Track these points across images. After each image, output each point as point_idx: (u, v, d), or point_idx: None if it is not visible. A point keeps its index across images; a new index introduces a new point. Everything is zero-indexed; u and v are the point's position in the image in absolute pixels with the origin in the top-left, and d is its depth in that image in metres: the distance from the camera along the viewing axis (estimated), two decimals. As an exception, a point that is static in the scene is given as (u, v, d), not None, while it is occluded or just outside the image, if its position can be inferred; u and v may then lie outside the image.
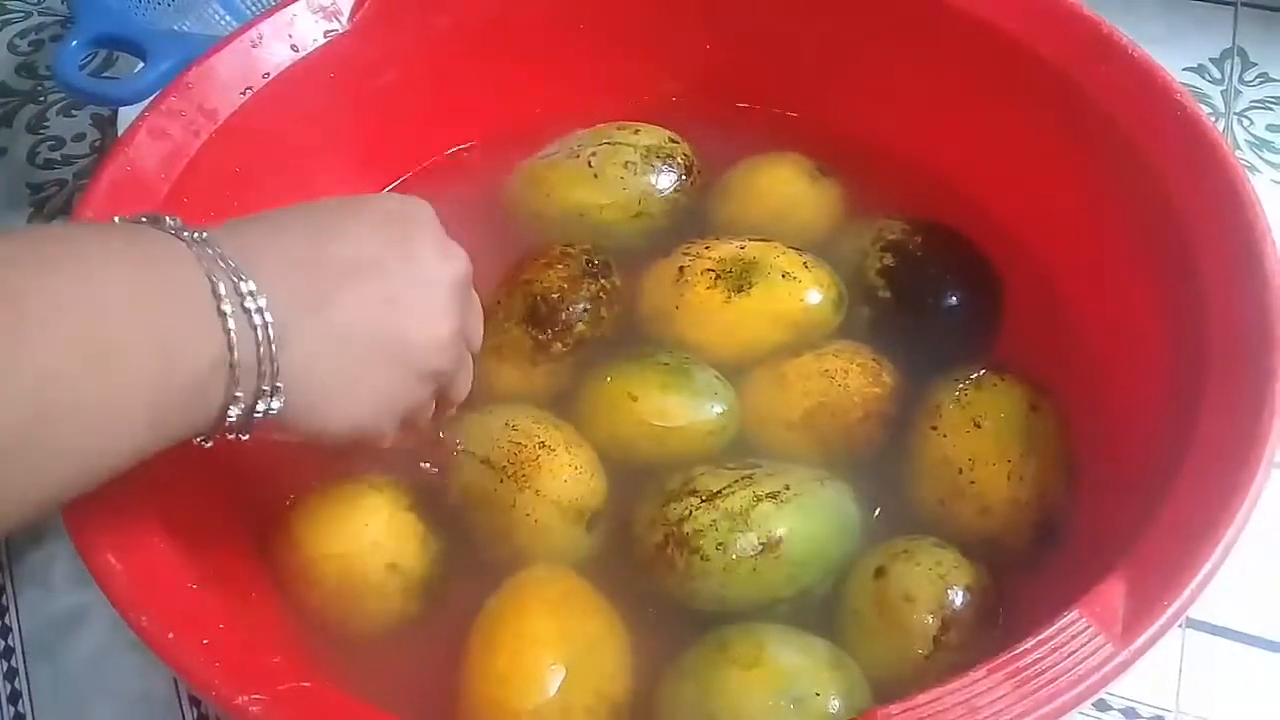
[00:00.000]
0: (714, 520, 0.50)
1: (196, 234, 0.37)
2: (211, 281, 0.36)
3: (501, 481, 0.52)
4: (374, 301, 0.40)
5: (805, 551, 0.50)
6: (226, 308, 0.35)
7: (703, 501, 0.51)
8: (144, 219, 0.38)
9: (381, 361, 0.41)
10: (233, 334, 0.36)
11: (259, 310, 0.36)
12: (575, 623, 0.49)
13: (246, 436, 0.38)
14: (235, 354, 0.36)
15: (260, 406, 0.37)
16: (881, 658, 0.49)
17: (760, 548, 0.49)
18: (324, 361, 0.39)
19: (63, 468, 0.34)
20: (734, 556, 0.49)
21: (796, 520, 0.50)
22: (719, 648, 0.48)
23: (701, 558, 0.49)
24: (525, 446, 0.53)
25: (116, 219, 0.38)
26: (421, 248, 0.43)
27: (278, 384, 0.37)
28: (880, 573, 0.50)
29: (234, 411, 0.37)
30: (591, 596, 0.51)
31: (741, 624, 0.49)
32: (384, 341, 0.41)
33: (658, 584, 0.51)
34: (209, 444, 0.39)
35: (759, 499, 0.50)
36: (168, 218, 0.38)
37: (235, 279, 0.36)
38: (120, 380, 0.33)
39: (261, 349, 0.36)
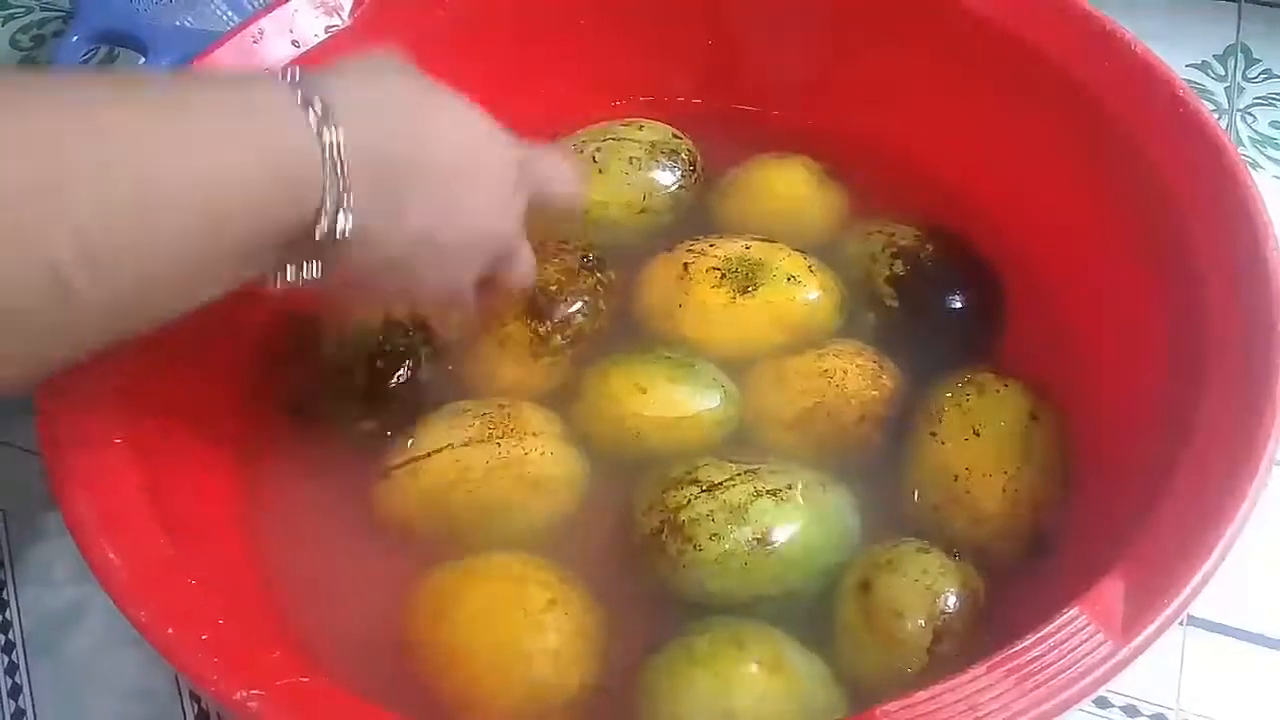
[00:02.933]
0: (711, 511, 0.50)
1: (287, 69, 0.40)
2: (299, 97, 0.38)
3: (497, 444, 0.53)
4: (436, 183, 0.43)
5: (798, 552, 0.50)
6: (313, 118, 0.38)
7: (703, 491, 0.51)
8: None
9: (441, 192, 0.43)
10: (321, 137, 0.38)
11: (333, 125, 0.38)
12: (562, 611, 0.49)
13: (319, 271, 0.40)
14: (325, 154, 0.38)
15: (334, 221, 0.39)
16: (877, 671, 0.48)
17: (754, 543, 0.49)
18: (385, 182, 0.40)
19: (173, 256, 0.35)
20: (727, 549, 0.49)
21: (794, 520, 0.50)
22: (735, 643, 0.47)
23: (695, 547, 0.49)
24: (512, 414, 0.54)
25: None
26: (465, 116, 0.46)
27: (353, 201, 0.39)
28: (866, 586, 0.49)
29: (324, 221, 0.38)
30: (575, 584, 0.51)
31: (752, 622, 0.49)
32: (444, 175, 0.43)
33: (650, 569, 0.51)
34: (280, 284, 0.40)
35: (759, 494, 0.50)
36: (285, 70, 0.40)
37: (318, 98, 0.38)
38: (210, 171, 0.35)
39: (342, 165, 0.38)
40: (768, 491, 0.51)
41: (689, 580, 0.50)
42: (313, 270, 0.40)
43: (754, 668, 0.46)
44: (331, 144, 0.38)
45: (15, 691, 0.60)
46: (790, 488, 0.51)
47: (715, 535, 0.49)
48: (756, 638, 0.48)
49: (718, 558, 0.49)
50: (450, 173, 0.43)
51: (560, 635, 0.48)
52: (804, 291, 0.59)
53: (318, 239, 0.39)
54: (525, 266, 0.51)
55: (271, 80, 0.39)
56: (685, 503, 0.50)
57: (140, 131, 0.34)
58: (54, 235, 0.32)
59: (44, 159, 0.32)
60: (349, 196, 0.39)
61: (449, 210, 0.43)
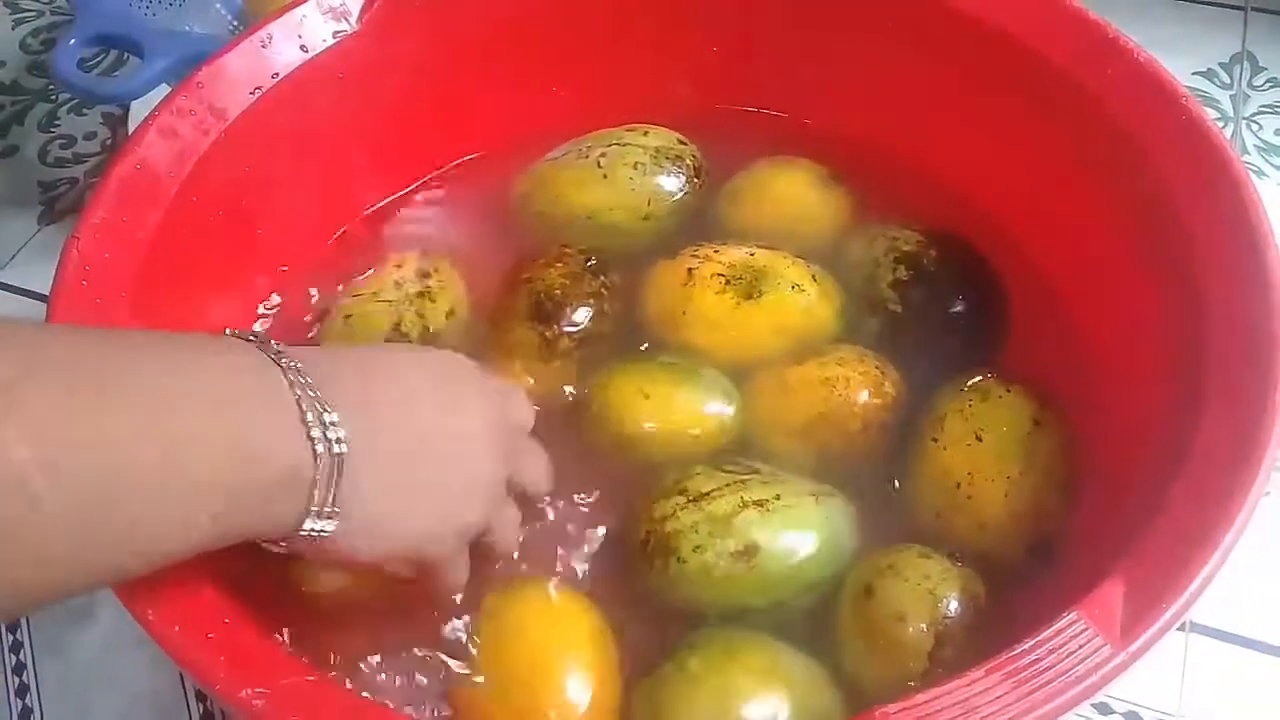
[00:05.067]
0: (695, 523, 0.50)
1: (291, 361, 0.39)
2: (300, 407, 0.38)
3: None
4: (429, 454, 0.43)
5: (781, 565, 0.50)
6: (315, 433, 0.38)
7: (689, 502, 0.50)
8: (251, 337, 0.40)
9: (422, 503, 0.43)
10: (317, 455, 0.38)
11: (339, 440, 0.38)
12: (574, 634, 0.49)
13: (288, 549, 0.40)
14: (315, 472, 0.38)
15: (317, 526, 0.39)
16: (878, 674, 0.48)
17: (736, 556, 0.49)
18: (374, 499, 0.41)
19: (124, 547, 0.35)
20: (708, 561, 0.49)
21: (778, 532, 0.50)
22: (727, 654, 0.48)
23: (678, 559, 0.49)
24: None
25: (228, 331, 0.41)
26: (467, 404, 0.46)
27: (336, 509, 0.39)
28: (869, 591, 0.49)
29: (300, 525, 0.39)
30: (586, 605, 0.51)
31: (743, 631, 0.49)
32: (426, 486, 0.43)
33: (640, 580, 0.51)
34: (275, 549, 0.40)
35: (745, 505, 0.50)
36: (273, 342, 0.40)
37: (321, 408, 0.38)
38: (187, 473, 0.35)
39: (334, 477, 0.38)
40: (754, 502, 0.50)
41: (674, 592, 0.50)
42: (321, 524, 0.39)
43: (749, 677, 0.46)
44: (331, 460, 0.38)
45: (23, 691, 0.60)
46: (778, 498, 0.51)
47: (698, 548, 0.49)
48: (748, 646, 0.48)
49: (699, 570, 0.49)
50: (438, 466, 0.43)
51: (591, 661, 0.48)
52: (807, 300, 0.59)
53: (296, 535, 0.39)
54: (510, 530, 0.49)
55: (275, 385, 0.38)
56: (670, 513, 0.50)
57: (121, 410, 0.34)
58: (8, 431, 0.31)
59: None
60: (333, 503, 0.39)
61: (432, 506, 0.43)
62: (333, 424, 0.38)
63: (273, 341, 0.40)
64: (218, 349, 0.39)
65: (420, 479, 0.42)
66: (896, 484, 0.56)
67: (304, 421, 0.38)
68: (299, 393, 0.38)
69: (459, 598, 0.49)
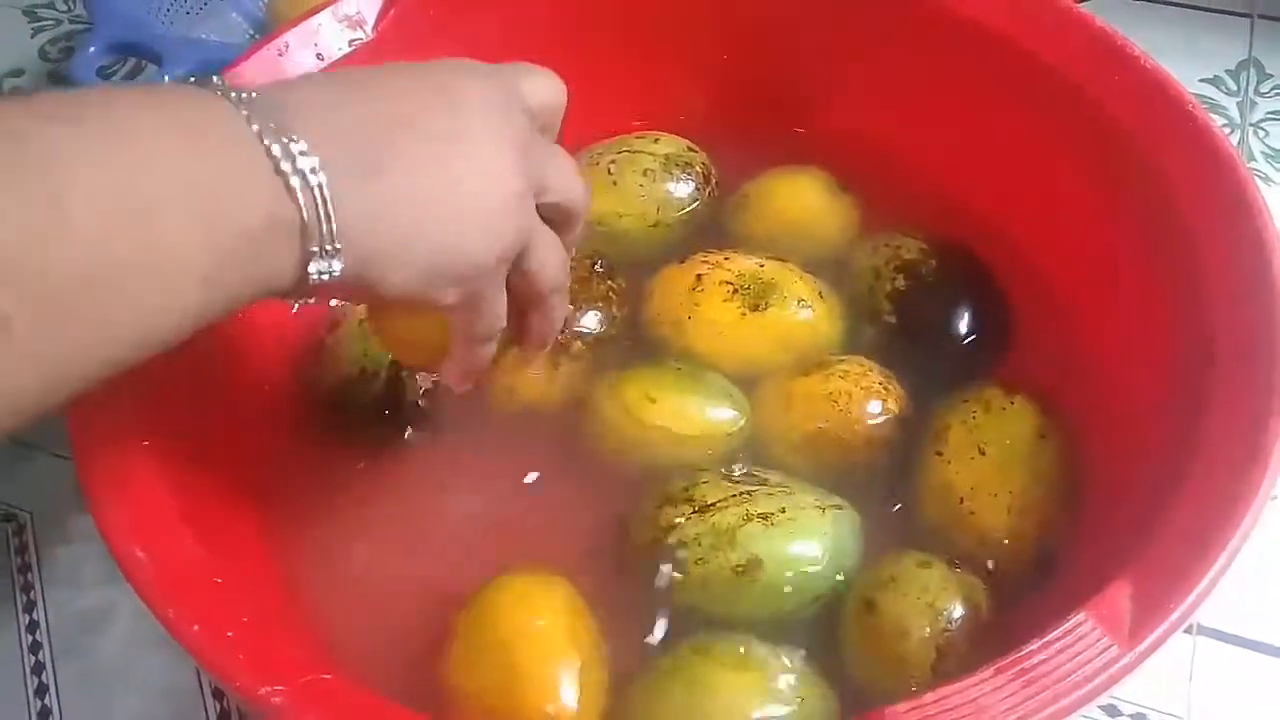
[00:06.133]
0: (699, 534, 0.50)
1: (244, 94, 0.35)
2: (263, 141, 0.34)
3: None
4: (426, 162, 0.39)
5: (784, 579, 0.50)
6: (285, 167, 0.34)
7: (694, 512, 0.50)
8: (192, 79, 0.36)
9: (437, 220, 0.39)
10: (296, 191, 0.35)
11: (312, 170, 0.35)
12: (577, 630, 0.49)
13: (313, 300, 0.38)
14: (302, 212, 0.35)
15: (322, 267, 0.36)
16: (885, 687, 0.48)
17: (738, 569, 0.49)
18: (379, 223, 0.37)
19: (115, 332, 0.32)
20: (710, 573, 0.49)
21: (781, 545, 0.50)
22: (702, 651, 0.48)
23: (680, 570, 0.49)
24: None
25: (167, 79, 0.37)
26: (463, 99, 0.40)
27: (337, 245, 0.36)
28: (870, 606, 0.49)
29: (304, 270, 0.36)
30: (583, 604, 0.51)
31: (720, 631, 0.49)
32: (429, 198, 0.38)
33: (643, 587, 0.51)
34: (294, 306, 0.38)
35: (750, 518, 0.50)
36: (215, 78, 0.36)
37: (285, 139, 0.35)
38: (162, 238, 0.32)
39: (320, 209, 0.35)
40: (759, 515, 0.50)
41: (676, 601, 0.50)
42: (330, 264, 0.36)
43: (722, 670, 0.47)
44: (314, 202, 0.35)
45: (42, 691, 0.61)
46: (783, 511, 0.50)
47: (700, 560, 0.49)
48: (724, 643, 0.48)
49: (701, 582, 0.49)
50: (437, 174, 0.39)
51: (585, 668, 0.48)
52: (812, 316, 0.59)
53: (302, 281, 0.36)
54: (553, 253, 0.44)
55: (233, 125, 0.34)
56: (675, 524, 0.50)
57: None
58: None
59: None
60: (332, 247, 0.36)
61: (445, 222, 0.39)
62: (301, 153, 0.35)
63: (216, 78, 0.36)
64: (166, 100, 0.35)
65: (421, 191, 0.38)
66: (899, 498, 0.55)
67: (270, 156, 0.34)
68: (257, 126, 0.35)
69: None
